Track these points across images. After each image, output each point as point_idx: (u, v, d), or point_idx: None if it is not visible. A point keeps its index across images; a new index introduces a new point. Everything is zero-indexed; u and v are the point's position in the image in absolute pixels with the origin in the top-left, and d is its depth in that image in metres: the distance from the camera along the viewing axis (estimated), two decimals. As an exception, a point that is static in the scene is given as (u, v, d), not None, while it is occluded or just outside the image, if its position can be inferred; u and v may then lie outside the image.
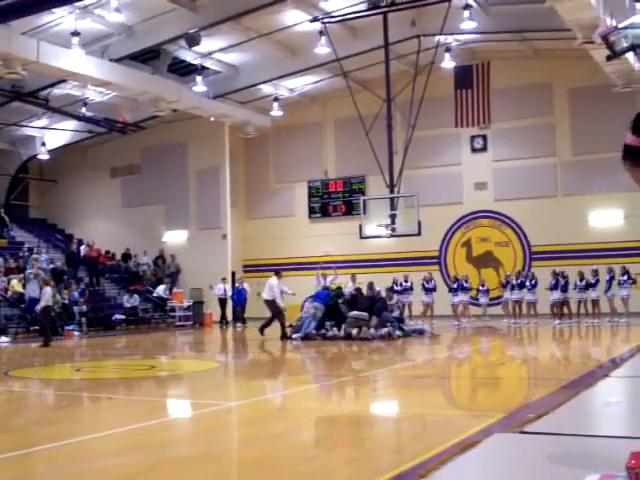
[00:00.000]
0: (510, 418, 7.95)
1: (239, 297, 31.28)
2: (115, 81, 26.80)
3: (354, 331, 20.89)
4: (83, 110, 30.21)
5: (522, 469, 5.92)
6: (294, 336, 21.73)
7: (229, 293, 32.03)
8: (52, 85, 28.30)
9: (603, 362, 14.71)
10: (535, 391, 11.22)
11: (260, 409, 9.95)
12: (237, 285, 31.69)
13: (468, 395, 11.66)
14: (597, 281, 26.06)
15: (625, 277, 25.97)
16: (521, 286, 27.55)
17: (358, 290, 23.09)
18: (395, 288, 27.74)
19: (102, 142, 35.98)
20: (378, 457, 6.86)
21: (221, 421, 9.15)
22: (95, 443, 7.76)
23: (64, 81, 27.77)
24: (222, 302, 32.23)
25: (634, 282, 26.35)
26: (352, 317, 21.26)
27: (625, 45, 23.14)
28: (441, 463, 5.86)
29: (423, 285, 28.54)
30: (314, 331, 21.58)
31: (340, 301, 22.09)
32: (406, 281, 28.76)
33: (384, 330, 20.85)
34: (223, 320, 32.12)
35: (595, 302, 26.16)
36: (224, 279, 32.64)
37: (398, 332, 21.14)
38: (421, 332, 22.44)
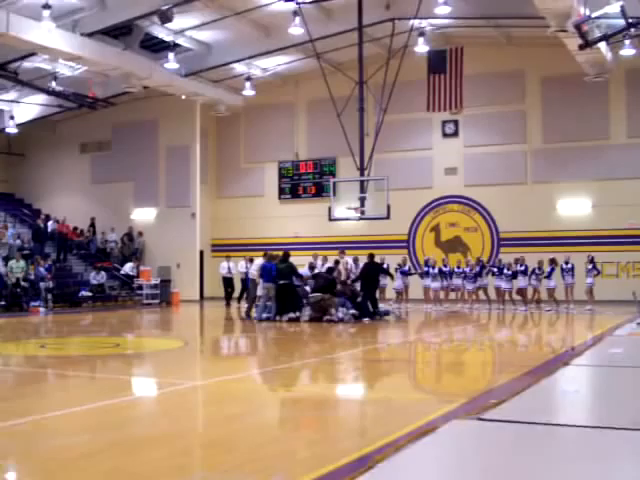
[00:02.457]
0: (471, 403, 8.02)
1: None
2: (86, 56, 26.44)
3: (325, 317, 20.79)
4: (53, 84, 29.82)
5: (475, 456, 5.97)
6: (256, 317, 21.71)
7: (234, 271, 30.32)
8: (22, 58, 27.86)
9: (564, 350, 14.86)
10: (497, 377, 11.32)
11: (223, 389, 9.96)
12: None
13: (432, 379, 11.73)
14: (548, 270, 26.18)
15: (590, 266, 26.12)
16: (479, 274, 27.59)
17: (330, 268, 22.94)
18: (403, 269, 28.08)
19: (72, 117, 35.67)
20: (339, 440, 6.89)
21: (184, 400, 9.14)
22: (58, 420, 7.75)
23: (34, 54, 27.40)
24: (227, 281, 30.82)
25: (598, 272, 26.48)
26: (313, 300, 21.19)
27: (598, 35, 23.22)
28: (397, 449, 5.90)
29: (396, 269, 28.39)
30: (271, 314, 21.49)
31: (298, 283, 21.88)
32: (426, 265, 28.53)
33: (346, 313, 20.87)
34: (229, 299, 30.46)
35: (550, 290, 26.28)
36: (228, 257, 31.24)
37: (341, 314, 21.00)
38: (386, 313, 22.40)
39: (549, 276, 26.01)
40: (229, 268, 30.48)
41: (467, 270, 27.58)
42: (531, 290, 26.69)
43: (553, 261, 26.21)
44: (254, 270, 23.09)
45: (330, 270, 22.69)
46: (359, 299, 21.85)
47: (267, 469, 5.77)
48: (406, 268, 28.53)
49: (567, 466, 5.58)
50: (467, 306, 27.12)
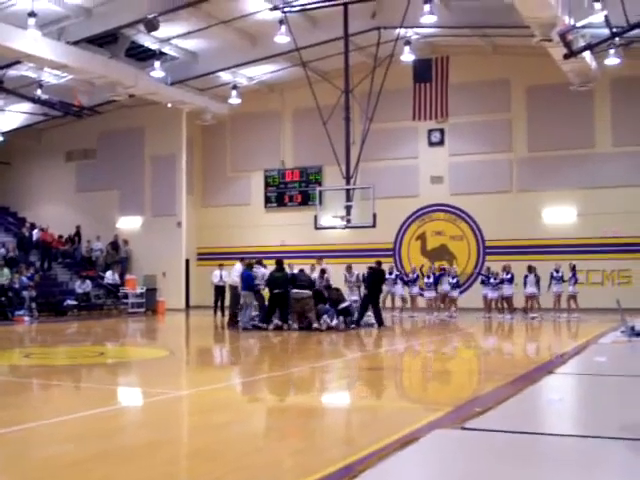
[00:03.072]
0: (456, 412, 8.03)
1: None
2: (72, 64, 26.36)
3: (314, 325, 20.81)
4: (38, 92, 29.75)
5: (457, 465, 5.97)
6: (241, 325, 21.57)
7: (226, 280, 28.24)
8: (7, 66, 27.80)
9: (550, 358, 14.88)
10: (482, 386, 11.33)
11: (208, 398, 9.94)
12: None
13: (418, 388, 11.74)
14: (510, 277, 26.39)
15: (571, 274, 26.16)
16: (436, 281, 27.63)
17: (301, 270, 22.91)
18: (404, 278, 28.20)
19: (57, 125, 35.52)
20: (324, 449, 6.90)
21: (169, 410, 9.13)
22: (43, 430, 7.74)
23: (19, 62, 27.32)
24: (219, 290, 29.31)
25: (576, 281, 26.41)
26: (299, 296, 21.15)
27: (582, 44, 23.32)
28: (380, 458, 5.90)
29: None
30: (255, 322, 21.47)
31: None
32: (413, 272, 28.68)
33: (334, 318, 20.85)
34: (217, 309, 29.08)
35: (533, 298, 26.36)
36: (221, 265, 29.72)
37: (335, 322, 20.97)
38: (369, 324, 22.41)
39: (510, 282, 26.26)
40: (221, 277, 29.78)
41: (450, 279, 27.61)
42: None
43: (530, 269, 26.37)
44: (235, 277, 23.02)
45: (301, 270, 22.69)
46: (343, 305, 21.84)
47: (253, 478, 5.76)
48: (399, 275, 28.56)
49: (549, 475, 5.59)
50: (453, 314, 27.13)
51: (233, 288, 23.63)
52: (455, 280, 27.73)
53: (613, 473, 5.77)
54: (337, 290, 22.70)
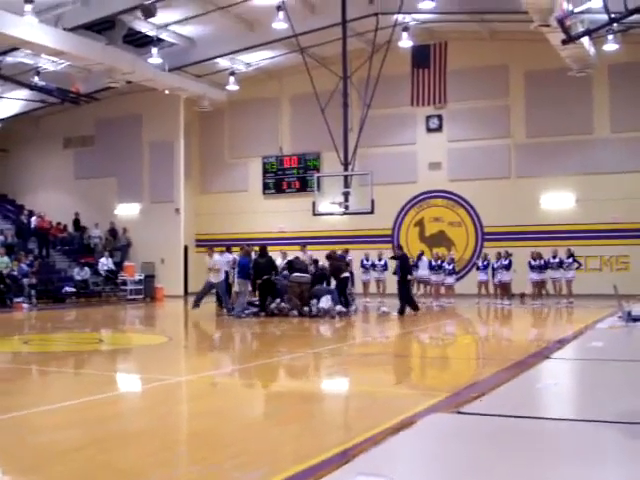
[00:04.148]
0: (453, 397, 8.06)
1: None
2: (69, 51, 26.30)
3: (294, 311, 20.89)
4: (36, 79, 29.69)
5: (451, 449, 5.99)
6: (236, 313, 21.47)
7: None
8: (4, 53, 27.74)
9: (547, 344, 14.92)
10: (479, 371, 11.35)
11: (207, 384, 9.98)
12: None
13: (416, 373, 11.77)
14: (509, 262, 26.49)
15: (570, 259, 26.20)
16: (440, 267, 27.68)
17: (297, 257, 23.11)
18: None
19: (55, 112, 35.48)
20: (322, 434, 6.92)
21: (168, 396, 9.16)
22: (41, 416, 7.76)
23: (16, 49, 27.25)
24: None
25: (579, 265, 26.50)
26: (303, 280, 21.21)
27: (581, 30, 23.24)
28: (375, 443, 5.93)
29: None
30: (248, 309, 21.49)
31: (277, 276, 21.86)
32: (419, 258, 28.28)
33: (328, 305, 20.80)
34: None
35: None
36: (222, 252, 25.57)
37: (338, 307, 21.01)
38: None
39: (508, 268, 26.33)
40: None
41: (446, 265, 27.66)
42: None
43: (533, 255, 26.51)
44: (223, 264, 23.00)
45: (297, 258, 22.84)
46: (343, 275, 21.97)
47: (251, 464, 5.79)
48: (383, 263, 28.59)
49: (545, 458, 5.61)
50: (447, 301, 27.18)
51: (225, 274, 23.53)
52: (451, 267, 27.78)
53: (609, 457, 5.80)
54: (338, 260, 22.84)
